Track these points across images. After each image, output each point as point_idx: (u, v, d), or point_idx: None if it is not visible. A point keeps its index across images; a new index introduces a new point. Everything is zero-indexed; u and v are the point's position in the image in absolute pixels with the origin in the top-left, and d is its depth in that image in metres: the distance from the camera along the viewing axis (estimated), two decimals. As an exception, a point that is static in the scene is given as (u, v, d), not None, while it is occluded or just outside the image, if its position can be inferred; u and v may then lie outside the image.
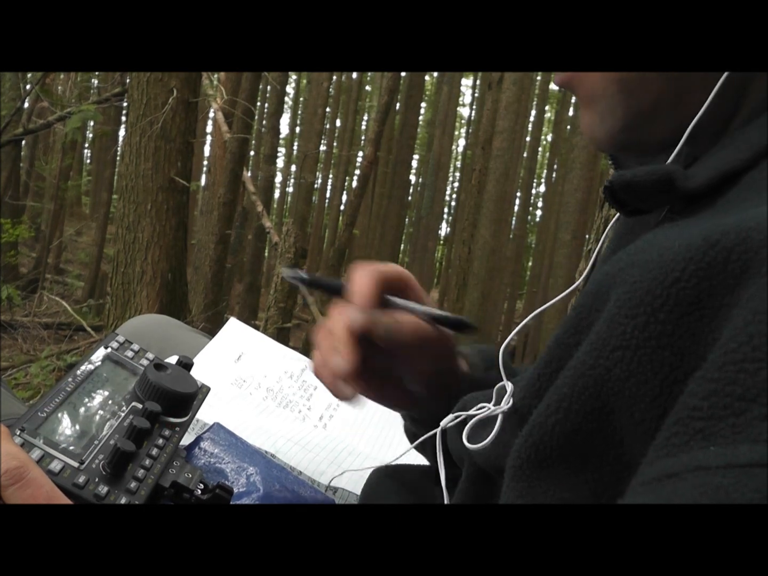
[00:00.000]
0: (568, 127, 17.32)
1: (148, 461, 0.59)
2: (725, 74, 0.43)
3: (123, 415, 0.64)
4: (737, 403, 0.27)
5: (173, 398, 0.66)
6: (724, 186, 0.40)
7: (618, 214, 0.53)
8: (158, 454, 0.61)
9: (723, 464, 0.26)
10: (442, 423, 0.55)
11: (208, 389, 0.75)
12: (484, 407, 0.51)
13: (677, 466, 0.28)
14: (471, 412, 0.52)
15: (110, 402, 0.65)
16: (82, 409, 0.63)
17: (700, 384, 0.29)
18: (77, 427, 0.60)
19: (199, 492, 0.62)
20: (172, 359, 0.76)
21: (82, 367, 0.67)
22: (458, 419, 0.54)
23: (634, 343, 0.33)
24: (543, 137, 23.73)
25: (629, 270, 0.36)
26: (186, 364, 0.73)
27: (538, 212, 23.55)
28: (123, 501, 0.54)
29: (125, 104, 5.68)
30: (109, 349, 0.72)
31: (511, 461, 0.40)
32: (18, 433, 0.54)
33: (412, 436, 0.71)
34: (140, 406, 0.65)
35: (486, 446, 0.48)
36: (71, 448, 0.57)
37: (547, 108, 22.12)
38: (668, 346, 0.32)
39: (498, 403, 0.49)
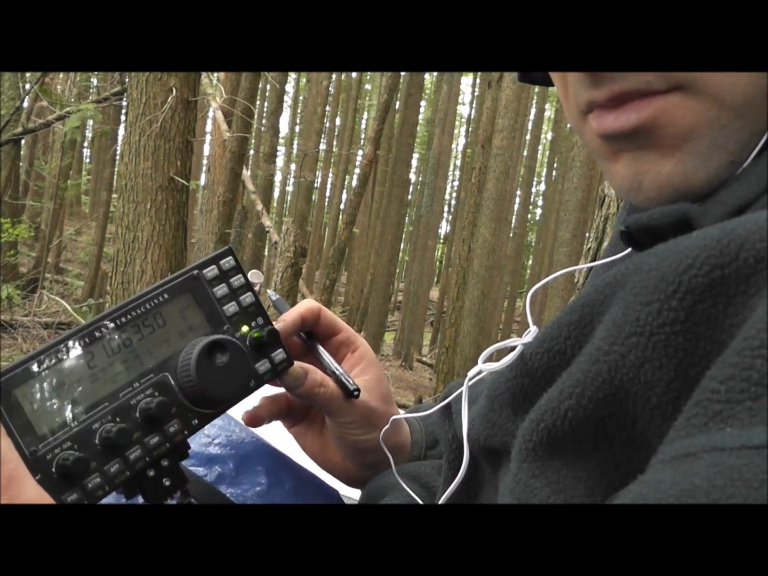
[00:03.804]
0: (568, 125, 17.29)
1: (115, 468, 0.48)
2: None
3: (140, 388, 0.50)
4: (754, 388, 0.28)
5: (205, 398, 0.52)
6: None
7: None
8: (137, 459, 0.49)
9: (737, 445, 0.27)
10: (470, 373, 0.56)
11: (287, 364, 0.59)
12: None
13: (695, 446, 0.29)
14: (503, 344, 0.53)
15: (138, 363, 0.51)
16: (94, 368, 0.49)
17: (719, 368, 0.30)
18: (69, 394, 0.47)
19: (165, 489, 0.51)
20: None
21: (143, 300, 0.52)
22: (490, 349, 0.53)
23: (648, 329, 0.34)
24: (543, 135, 23.73)
25: (646, 258, 0.36)
26: (260, 344, 0.56)
27: (538, 211, 23.58)
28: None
29: (124, 103, 5.68)
30: (198, 278, 0.54)
31: (522, 444, 0.41)
32: None
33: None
34: (167, 385, 0.51)
35: (500, 367, 0.48)
36: (40, 425, 0.46)
37: (547, 106, 22.10)
38: (682, 332, 0.33)
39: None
